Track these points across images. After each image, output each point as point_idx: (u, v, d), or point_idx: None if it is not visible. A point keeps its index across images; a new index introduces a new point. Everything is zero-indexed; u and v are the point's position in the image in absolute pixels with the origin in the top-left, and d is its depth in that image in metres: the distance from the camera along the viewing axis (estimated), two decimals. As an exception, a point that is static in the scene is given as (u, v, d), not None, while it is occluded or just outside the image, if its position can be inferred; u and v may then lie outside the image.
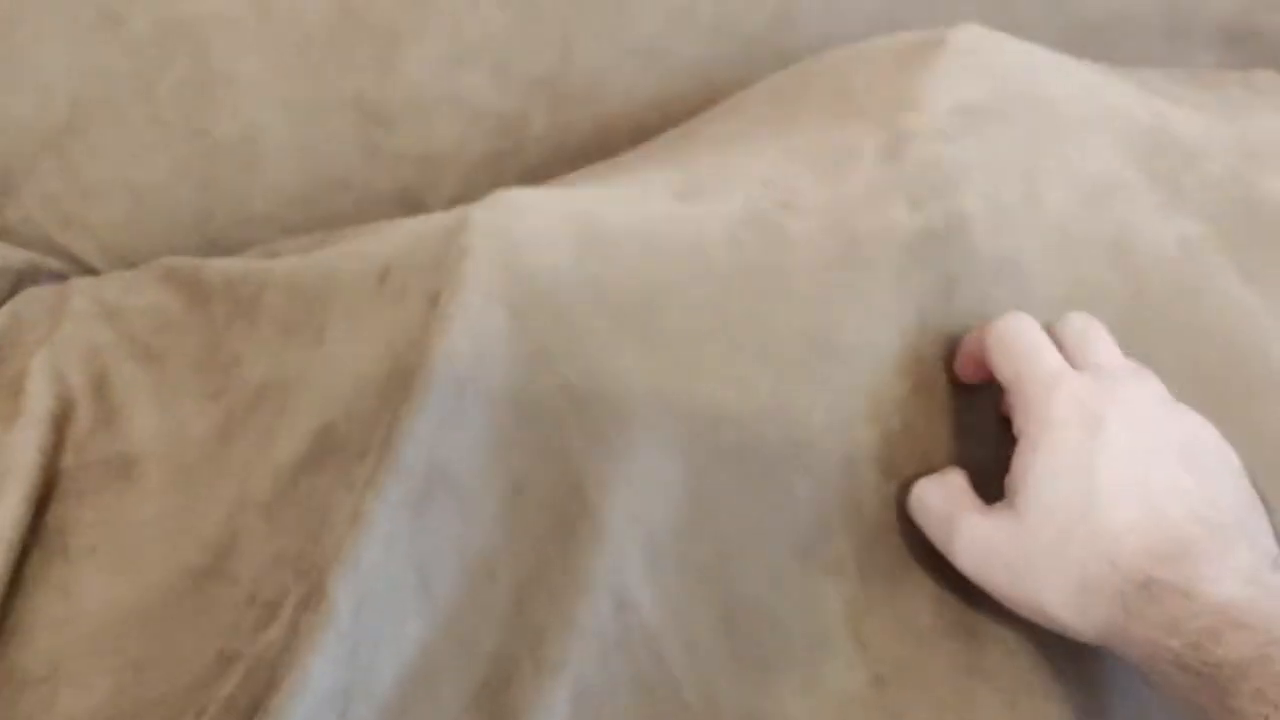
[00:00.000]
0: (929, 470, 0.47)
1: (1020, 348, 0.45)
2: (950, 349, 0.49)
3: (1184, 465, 0.41)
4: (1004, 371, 0.45)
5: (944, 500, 0.45)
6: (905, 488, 0.47)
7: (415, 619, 0.42)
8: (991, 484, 0.45)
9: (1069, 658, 0.44)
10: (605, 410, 0.45)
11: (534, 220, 0.50)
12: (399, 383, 0.46)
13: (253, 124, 0.69)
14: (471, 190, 0.69)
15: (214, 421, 0.55)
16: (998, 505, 0.44)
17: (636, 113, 0.71)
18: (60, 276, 0.69)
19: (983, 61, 0.58)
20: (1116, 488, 0.40)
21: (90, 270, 0.70)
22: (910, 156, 0.52)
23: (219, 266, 0.63)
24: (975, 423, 0.48)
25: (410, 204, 0.71)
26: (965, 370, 0.48)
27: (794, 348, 0.48)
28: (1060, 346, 0.45)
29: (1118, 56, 0.69)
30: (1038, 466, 0.42)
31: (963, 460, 0.48)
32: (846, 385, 0.48)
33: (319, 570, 0.43)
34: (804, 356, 0.48)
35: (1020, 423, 0.44)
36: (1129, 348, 0.47)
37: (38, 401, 0.56)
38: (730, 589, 0.45)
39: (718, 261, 0.49)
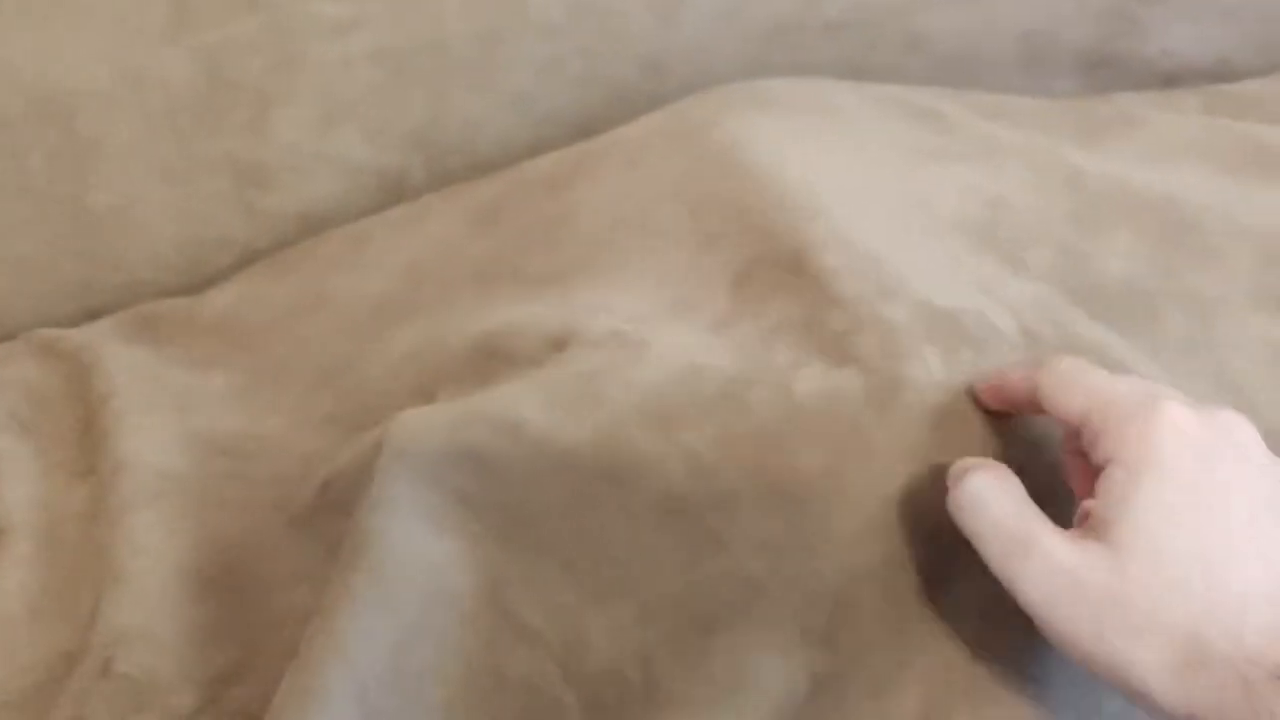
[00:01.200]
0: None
1: (1094, 379, 0.40)
2: None
3: None
4: (1074, 406, 0.39)
5: (1016, 511, 0.38)
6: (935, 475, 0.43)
7: None
8: None
9: None
10: None
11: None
12: None
13: (126, 192, 0.69)
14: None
15: (83, 499, 0.55)
16: (1081, 532, 0.37)
17: (513, 160, 0.72)
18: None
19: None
20: (1244, 541, 0.34)
21: (-31, 344, 0.69)
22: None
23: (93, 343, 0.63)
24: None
25: (292, 262, 0.71)
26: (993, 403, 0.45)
27: None
28: None
29: (979, 89, 0.71)
30: (1143, 498, 0.35)
31: None
32: None
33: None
34: None
35: (1110, 449, 0.37)
36: None
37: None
38: None
39: None
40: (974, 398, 0.46)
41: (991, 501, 0.38)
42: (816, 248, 0.53)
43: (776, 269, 0.55)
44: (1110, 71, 0.74)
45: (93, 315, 0.70)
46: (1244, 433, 0.37)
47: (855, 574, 0.44)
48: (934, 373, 0.47)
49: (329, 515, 0.48)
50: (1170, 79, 0.76)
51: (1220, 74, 0.77)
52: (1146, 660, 0.33)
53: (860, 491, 0.45)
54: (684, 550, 0.45)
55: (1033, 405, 0.42)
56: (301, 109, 0.69)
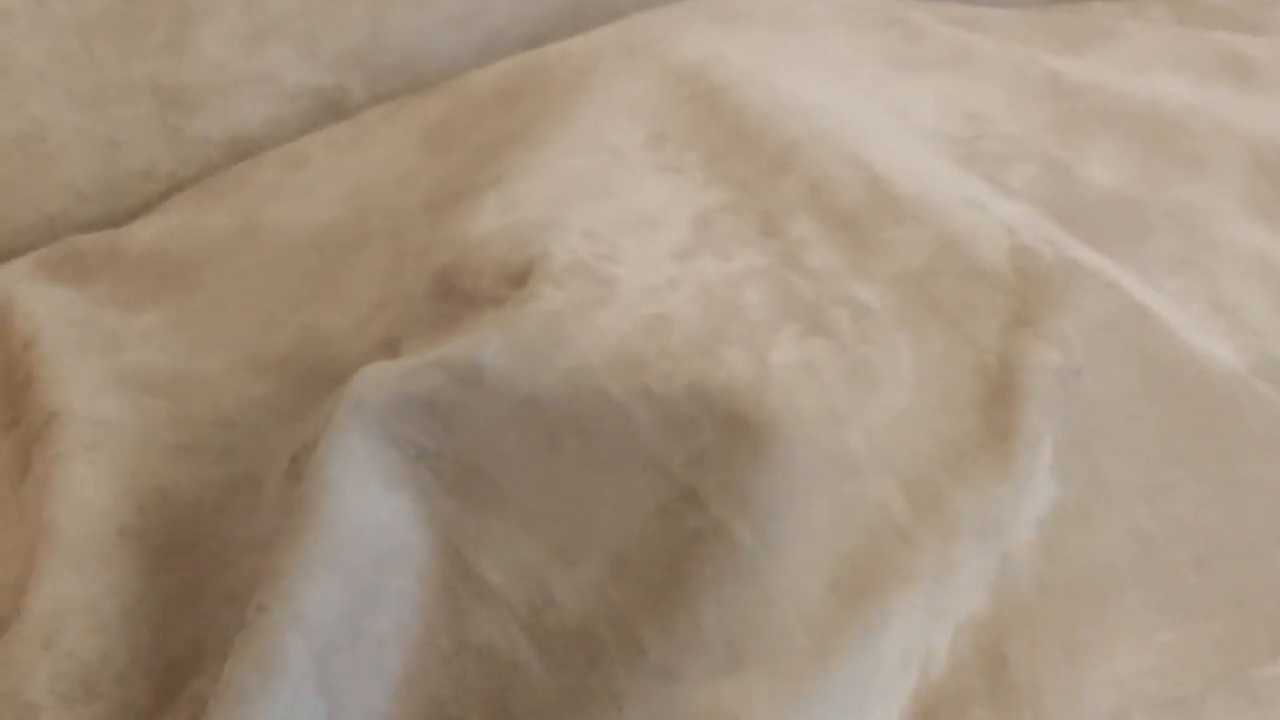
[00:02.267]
0: None
1: None
2: None
3: None
4: None
5: None
6: None
7: None
8: None
9: None
10: None
11: None
12: None
13: (36, 117, 0.63)
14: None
15: (7, 454, 0.50)
16: None
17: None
18: None
19: None
20: None
21: None
22: None
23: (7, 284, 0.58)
24: None
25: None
26: None
27: None
28: None
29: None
30: None
31: None
32: None
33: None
34: None
35: None
36: None
37: None
38: None
39: None
40: None
41: None
42: (800, 172, 0.51)
43: (744, 194, 0.52)
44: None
45: (3, 255, 0.65)
46: None
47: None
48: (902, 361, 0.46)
49: (294, 484, 0.45)
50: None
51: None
52: None
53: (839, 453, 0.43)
54: (656, 505, 0.43)
55: None
56: (227, 24, 0.64)
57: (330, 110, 0.68)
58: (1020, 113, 0.59)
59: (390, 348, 0.51)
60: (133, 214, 0.66)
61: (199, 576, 0.45)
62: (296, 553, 0.40)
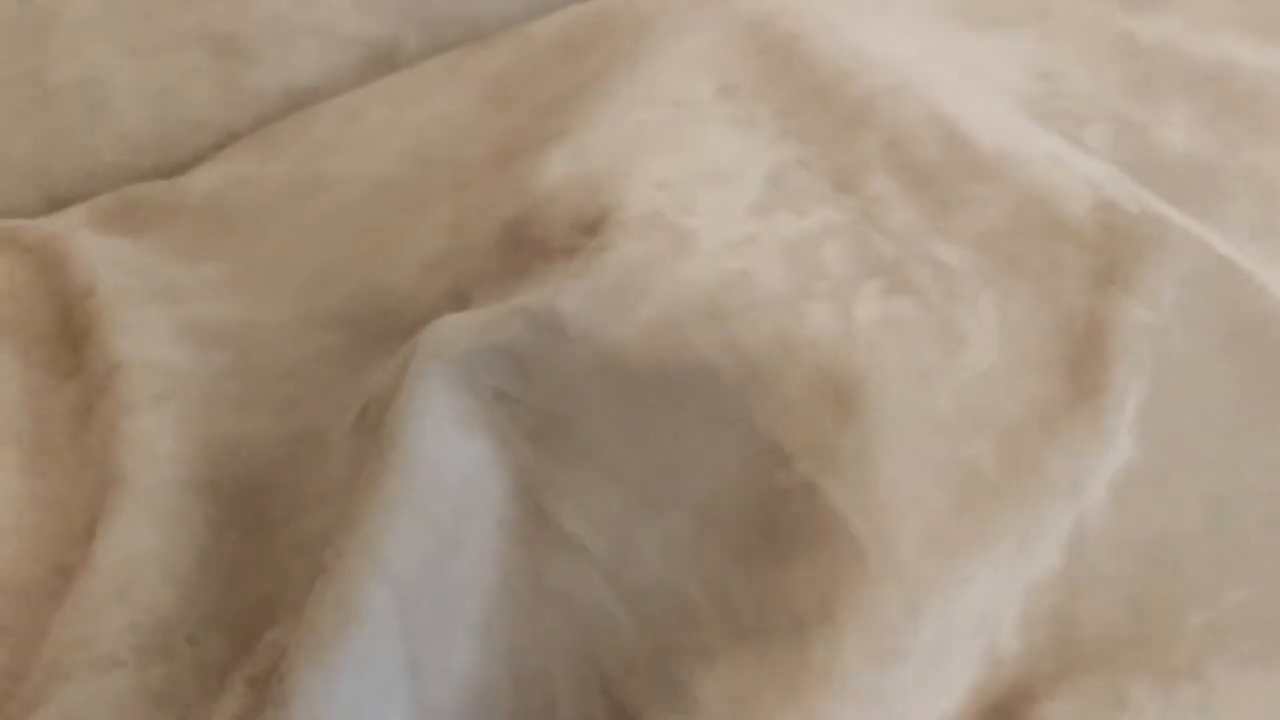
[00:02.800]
0: None
1: None
2: None
3: None
4: None
5: None
6: None
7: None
8: None
9: None
10: None
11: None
12: None
13: (92, 65, 0.62)
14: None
15: (69, 401, 0.50)
16: None
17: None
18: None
19: None
20: None
21: (-79, 236, 0.63)
22: None
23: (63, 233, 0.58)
24: None
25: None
26: None
27: None
28: None
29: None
30: None
31: None
32: None
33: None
34: None
35: None
36: None
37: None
38: None
39: None
40: None
41: None
42: (876, 128, 0.50)
43: (818, 149, 0.51)
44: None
45: (56, 204, 0.64)
46: None
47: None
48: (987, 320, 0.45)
49: (363, 437, 0.44)
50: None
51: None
52: None
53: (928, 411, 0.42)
54: (741, 460, 0.42)
55: None
56: (284, -28, 0.63)
57: (384, 61, 0.67)
58: (1093, 72, 0.58)
59: (458, 300, 0.50)
60: (185, 165, 0.65)
61: (268, 528, 0.44)
62: (375, 499, 0.39)
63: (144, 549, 0.42)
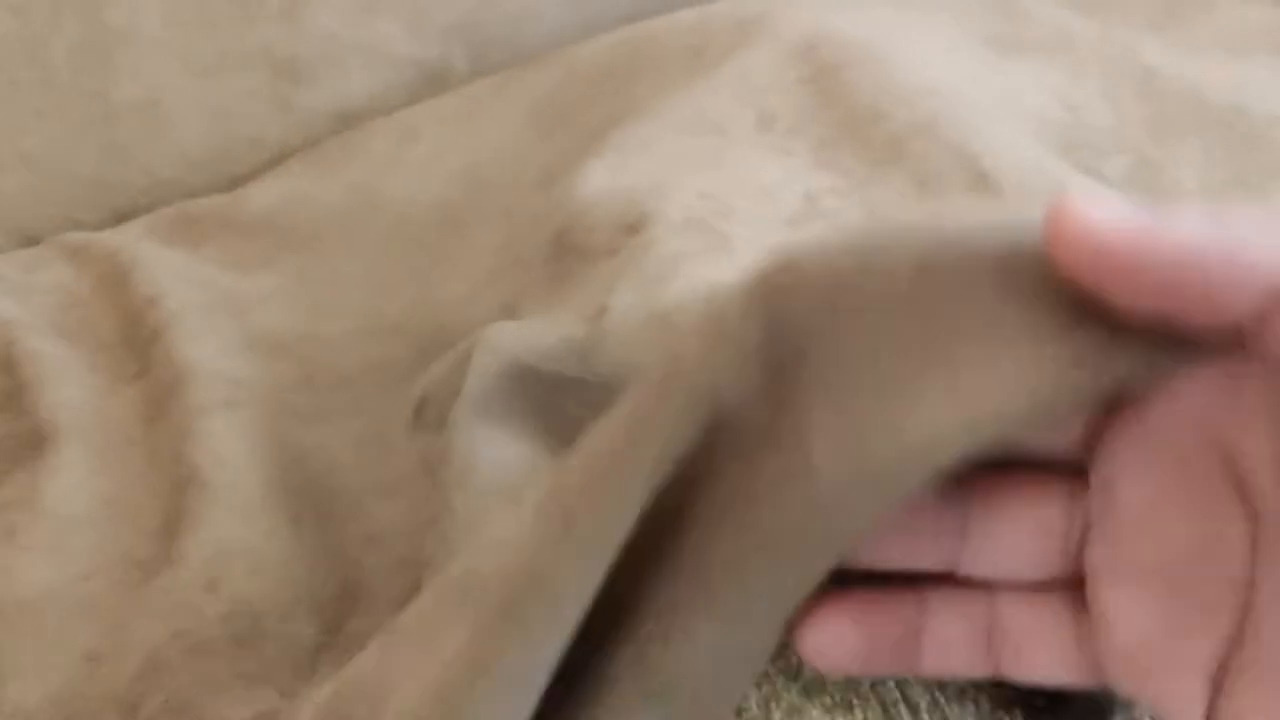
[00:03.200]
0: None
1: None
2: None
3: None
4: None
5: None
6: None
7: None
8: None
9: None
10: None
11: None
12: None
13: (154, 84, 0.65)
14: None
15: (134, 403, 0.52)
16: None
17: (560, 56, 0.69)
18: (-44, 256, 0.65)
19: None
20: None
21: (-12, 247, 0.66)
22: None
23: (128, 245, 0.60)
24: None
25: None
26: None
27: None
28: None
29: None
30: None
31: None
32: None
33: None
34: None
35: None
36: None
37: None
38: None
39: None
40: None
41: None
42: (907, 169, 0.52)
43: (851, 182, 0.53)
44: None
45: (117, 218, 0.67)
46: None
47: None
48: None
49: (422, 433, 0.46)
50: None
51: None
52: None
53: None
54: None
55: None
56: (340, -3, 0.65)
57: (433, 82, 0.69)
58: (1114, 106, 0.59)
59: (508, 312, 0.52)
60: (238, 181, 0.68)
61: (337, 522, 0.46)
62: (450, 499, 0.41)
63: (229, 543, 0.44)
